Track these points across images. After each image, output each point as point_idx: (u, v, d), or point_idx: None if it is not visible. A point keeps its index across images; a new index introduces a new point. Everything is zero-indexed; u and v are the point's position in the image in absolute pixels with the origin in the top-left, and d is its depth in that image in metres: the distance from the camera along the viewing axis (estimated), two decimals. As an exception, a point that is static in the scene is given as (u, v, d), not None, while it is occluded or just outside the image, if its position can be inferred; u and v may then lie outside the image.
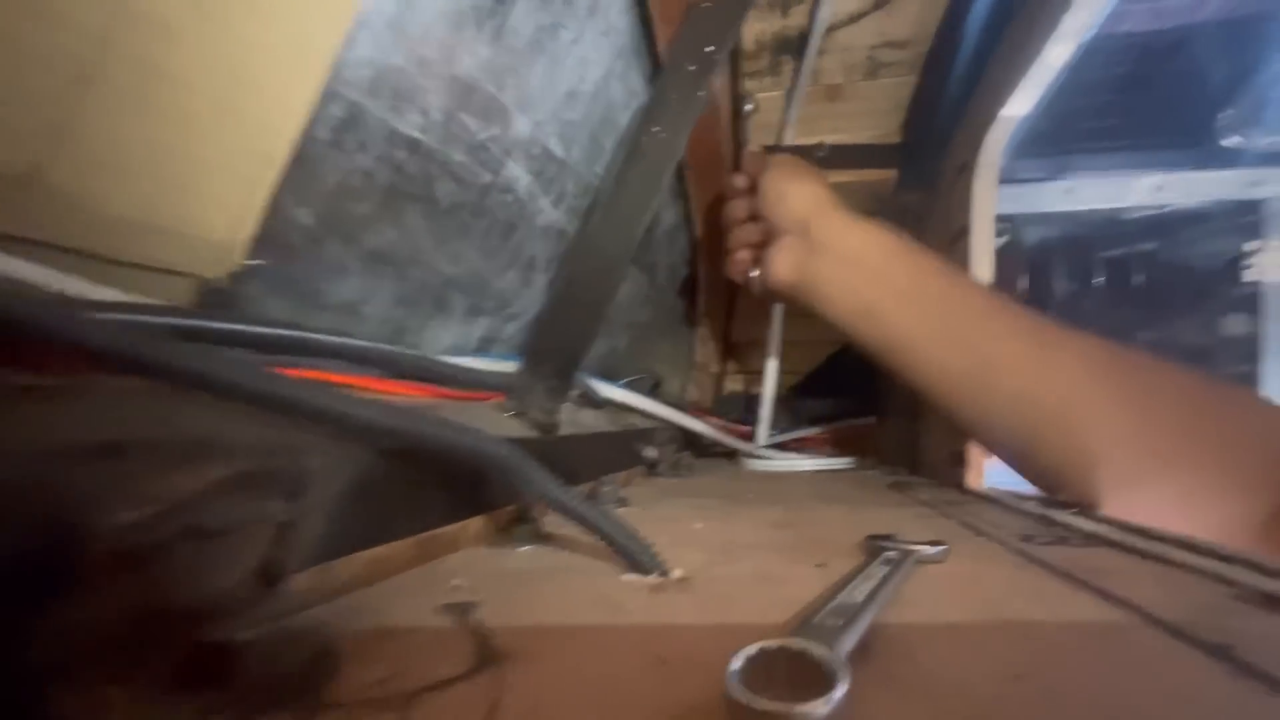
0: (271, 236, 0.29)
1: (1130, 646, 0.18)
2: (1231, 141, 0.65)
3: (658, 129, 0.40)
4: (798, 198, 0.52)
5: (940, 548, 0.28)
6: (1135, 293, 0.74)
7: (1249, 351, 0.69)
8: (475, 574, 0.25)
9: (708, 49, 0.39)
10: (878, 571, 0.23)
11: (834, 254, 0.50)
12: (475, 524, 0.31)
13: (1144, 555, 0.30)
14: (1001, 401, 0.44)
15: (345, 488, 0.22)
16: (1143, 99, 0.63)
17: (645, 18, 0.49)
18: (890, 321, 0.47)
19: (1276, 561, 0.26)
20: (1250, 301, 0.69)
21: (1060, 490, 0.43)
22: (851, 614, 0.17)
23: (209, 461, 0.16)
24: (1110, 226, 0.74)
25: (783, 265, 0.53)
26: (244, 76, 0.22)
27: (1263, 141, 0.64)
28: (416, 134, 0.36)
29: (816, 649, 0.13)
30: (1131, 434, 0.39)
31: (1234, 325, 0.70)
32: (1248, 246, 0.69)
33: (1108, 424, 0.40)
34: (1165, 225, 0.72)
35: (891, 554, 0.26)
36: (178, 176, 0.22)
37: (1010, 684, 0.16)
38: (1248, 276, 0.69)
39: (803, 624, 0.16)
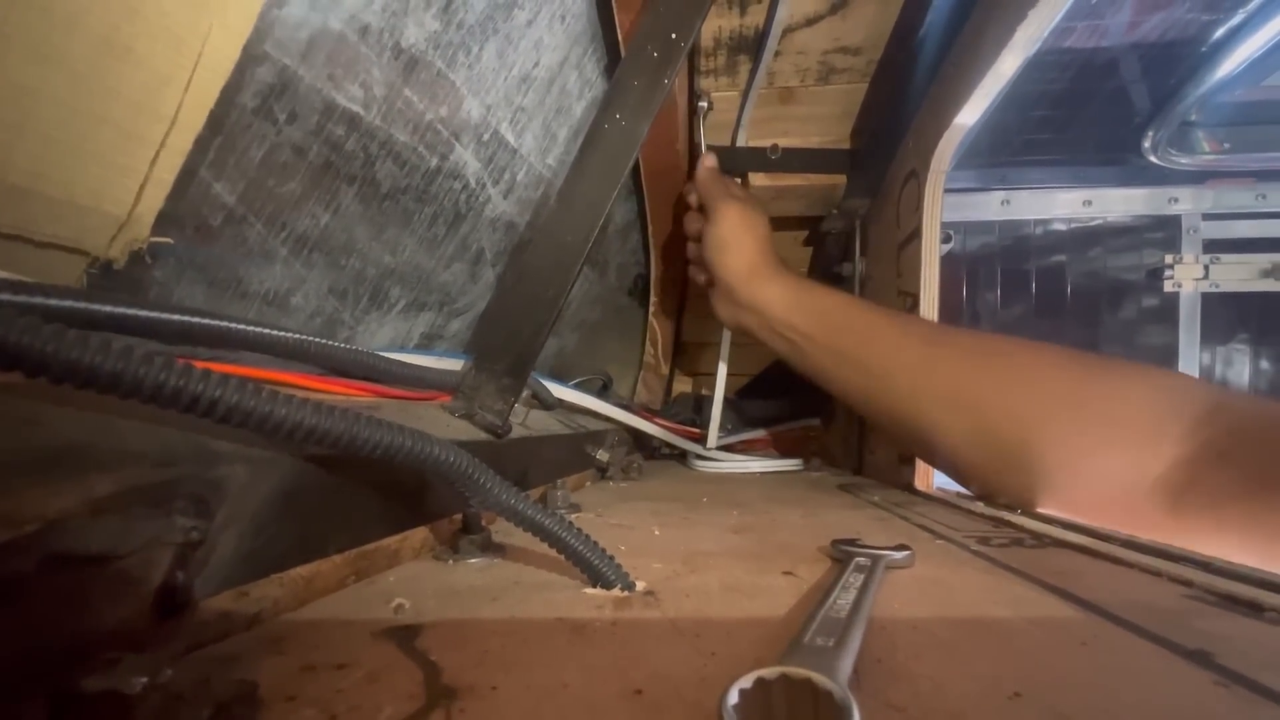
0: (183, 213, 0.26)
1: (1113, 655, 0.18)
2: (1154, 160, 0.69)
3: (619, 116, 0.38)
4: (733, 264, 0.59)
5: (906, 552, 0.28)
6: (1064, 301, 0.78)
7: (1168, 359, 0.74)
8: (419, 592, 0.23)
9: (672, 35, 0.38)
10: (854, 581, 0.22)
11: (756, 312, 0.58)
12: (417, 536, 0.29)
13: (1095, 555, 0.31)
14: (897, 403, 0.50)
15: (267, 499, 0.19)
16: (1076, 115, 0.66)
17: (604, 3, 0.47)
18: (809, 362, 0.56)
19: (1222, 560, 0.27)
20: (1169, 311, 0.74)
21: (993, 489, 0.45)
22: (840, 632, 0.16)
23: (89, 473, 0.13)
24: (1042, 237, 0.77)
25: (720, 311, 0.62)
26: (145, 16, 0.19)
27: (1182, 161, 0.69)
28: (356, 108, 0.33)
29: (820, 679, 0.12)
30: (1017, 410, 0.42)
31: (1154, 334, 0.74)
32: (1167, 259, 0.73)
33: (993, 405, 0.43)
34: (1093, 237, 0.76)
35: (862, 561, 0.25)
36: (63, 134, 0.19)
37: (1010, 703, 0.15)
38: (1166, 287, 0.74)
39: (793, 646, 0.15)
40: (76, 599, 0.14)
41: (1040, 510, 0.40)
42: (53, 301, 0.16)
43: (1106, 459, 0.38)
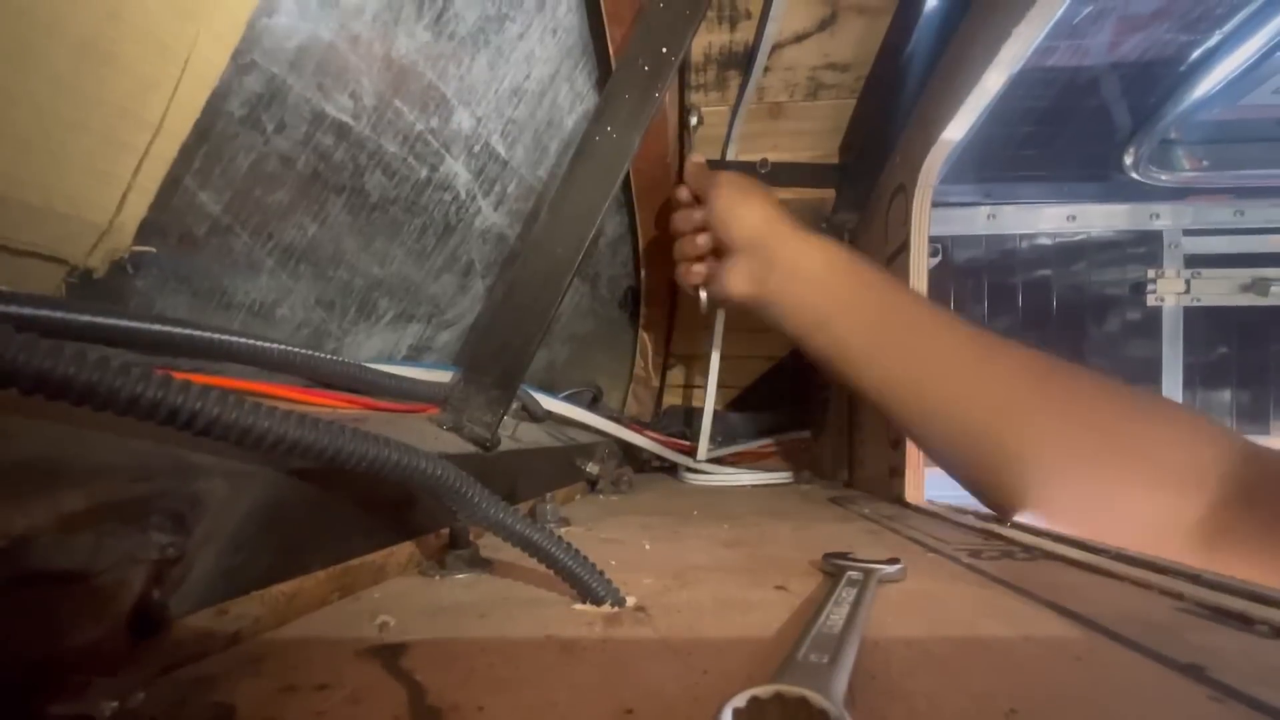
0: (167, 221, 0.25)
1: (1108, 670, 0.18)
2: (1136, 177, 0.70)
3: (610, 129, 0.38)
4: (749, 218, 0.54)
5: (897, 566, 0.27)
6: (1049, 314, 0.78)
7: (1151, 371, 0.75)
8: (404, 609, 0.22)
9: (663, 49, 0.38)
10: (847, 595, 0.22)
11: (786, 270, 0.51)
12: (403, 551, 0.28)
13: (1086, 568, 0.31)
14: (938, 407, 0.45)
15: (247, 514, 0.18)
16: (1060, 132, 0.67)
17: (595, 17, 0.48)
18: (838, 334, 0.49)
19: (1211, 572, 0.27)
20: (1152, 325, 0.75)
21: (993, 493, 0.44)
22: (834, 648, 0.16)
23: (59, 488, 0.12)
24: (1028, 251, 0.78)
25: (737, 282, 0.54)
26: (129, 21, 0.19)
27: (1162, 178, 0.70)
28: (345, 118, 0.33)
29: (816, 697, 0.12)
30: (1057, 436, 0.41)
31: (1138, 347, 0.75)
32: (1150, 273, 0.74)
33: (1036, 427, 0.42)
34: (1078, 251, 0.77)
35: (854, 575, 0.25)
36: (42, 140, 0.19)
37: (1006, 721, 0.14)
38: (1149, 301, 0.75)
39: (787, 663, 0.15)
40: (45, 619, 0.13)
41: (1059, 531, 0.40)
42: (27, 310, 0.16)
43: (1143, 500, 0.38)
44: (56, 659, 0.13)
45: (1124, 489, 0.38)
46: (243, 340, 0.25)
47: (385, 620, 0.21)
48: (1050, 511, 0.40)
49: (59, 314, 0.17)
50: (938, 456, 0.49)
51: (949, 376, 0.45)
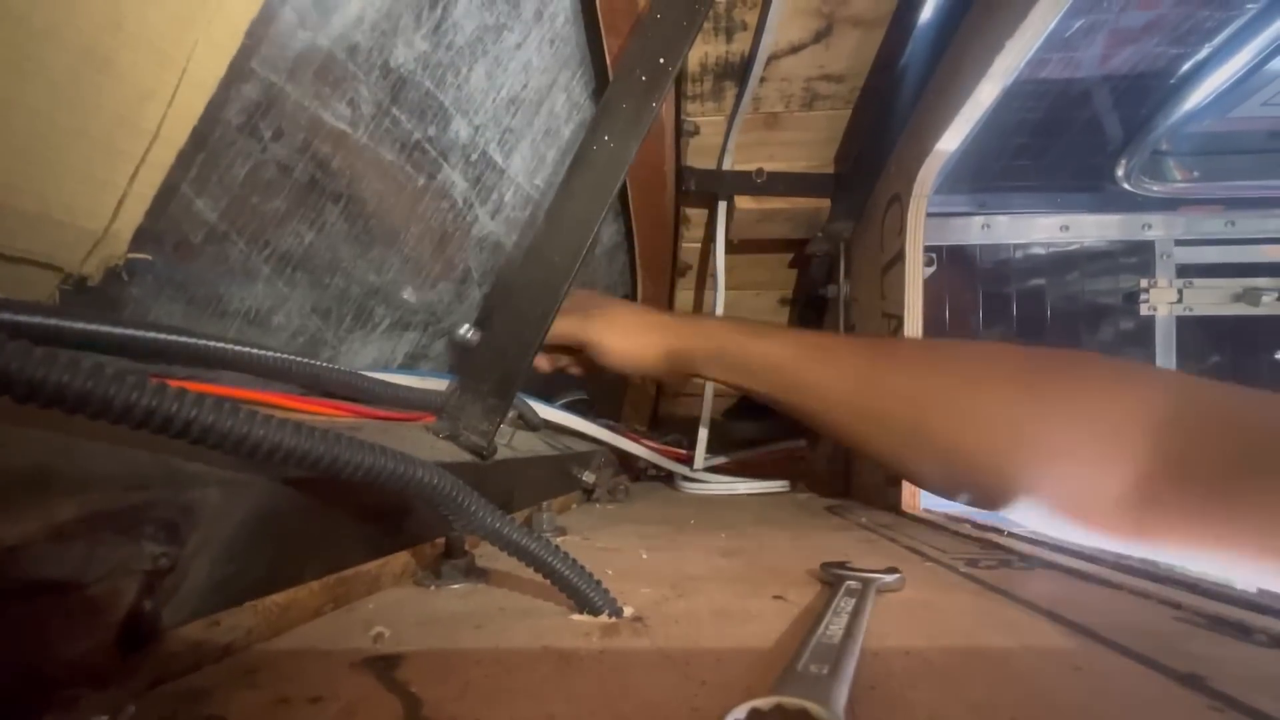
0: (163, 229, 0.25)
1: (1108, 680, 0.18)
2: (1128, 187, 0.71)
3: (607, 138, 0.38)
4: (619, 342, 0.55)
5: (896, 575, 0.27)
6: (1044, 323, 0.79)
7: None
8: (400, 619, 0.22)
9: (660, 60, 0.38)
10: (845, 605, 0.21)
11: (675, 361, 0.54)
12: (398, 560, 0.28)
13: (1084, 577, 0.31)
14: (857, 420, 0.46)
15: (241, 523, 0.18)
16: (1053, 143, 0.68)
17: (592, 28, 0.48)
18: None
19: (1209, 581, 0.27)
20: (1146, 334, 0.75)
21: (941, 485, 0.44)
22: (834, 658, 0.16)
23: (52, 497, 0.12)
24: (1022, 261, 0.79)
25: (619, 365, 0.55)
26: (128, 29, 0.19)
27: (1154, 189, 0.71)
28: (343, 126, 0.33)
29: (816, 709, 0.12)
30: (976, 423, 0.40)
31: (1132, 356, 0.76)
32: (1143, 283, 0.75)
33: (944, 418, 0.42)
34: (1071, 261, 0.78)
35: (853, 584, 0.25)
36: (39, 147, 0.18)
37: (1008, 732, 0.14)
38: (1143, 310, 0.75)
39: (787, 674, 0.15)
40: (35, 631, 0.13)
41: (999, 512, 0.40)
42: (20, 317, 0.16)
43: (1063, 478, 0.37)
44: (46, 671, 0.13)
45: (1045, 473, 0.38)
46: (238, 348, 0.24)
47: (380, 631, 0.20)
48: (1017, 513, 0.40)
49: (52, 321, 0.17)
50: (876, 453, 0.49)
51: (839, 402, 0.46)
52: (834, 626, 0.19)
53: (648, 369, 0.54)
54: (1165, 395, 0.36)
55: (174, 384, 0.14)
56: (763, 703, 0.12)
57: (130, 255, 0.22)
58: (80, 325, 0.17)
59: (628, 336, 0.53)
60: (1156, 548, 0.33)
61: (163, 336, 0.20)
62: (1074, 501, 0.36)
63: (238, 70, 0.24)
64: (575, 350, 0.54)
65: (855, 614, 0.20)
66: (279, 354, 0.27)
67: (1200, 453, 0.33)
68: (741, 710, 0.12)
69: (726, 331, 0.51)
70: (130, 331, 0.19)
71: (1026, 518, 0.37)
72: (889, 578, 0.27)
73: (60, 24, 0.17)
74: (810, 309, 0.91)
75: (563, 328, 0.51)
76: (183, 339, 0.21)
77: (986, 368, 0.42)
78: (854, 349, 0.47)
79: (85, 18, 0.18)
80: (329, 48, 0.30)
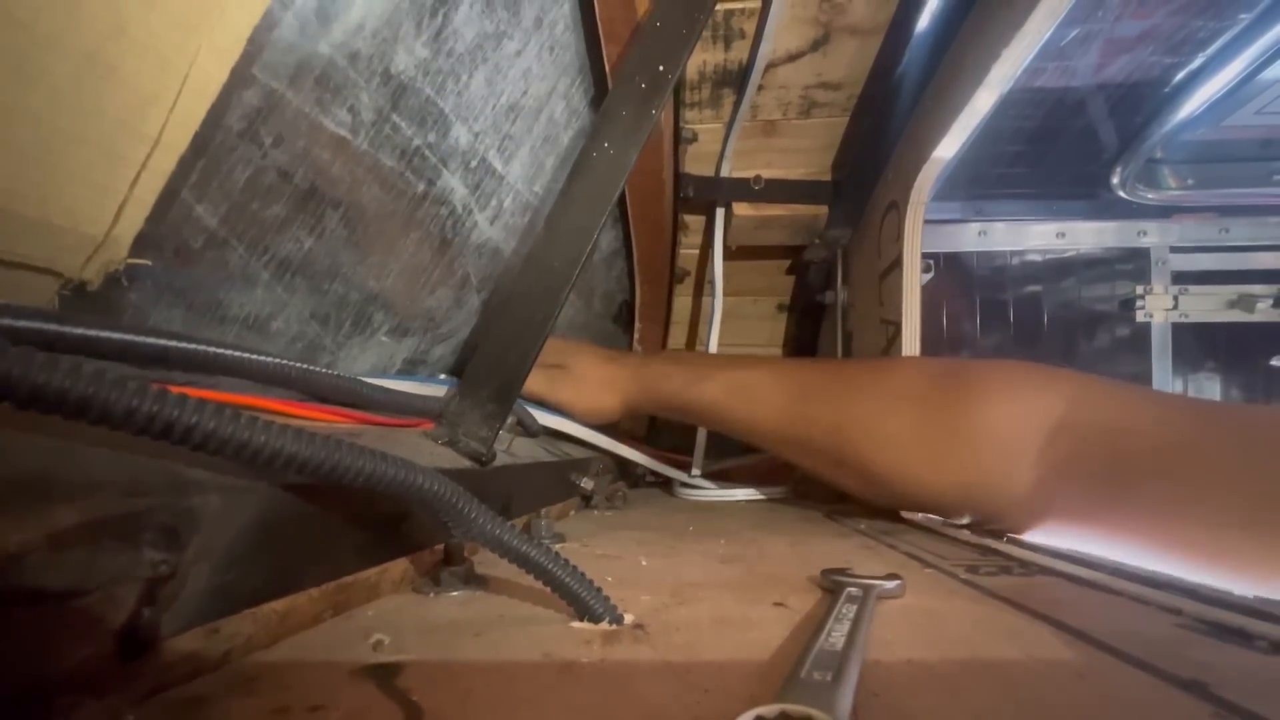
0: (163, 235, 0.25)
1: (1111, 687, 0.18)
2: (1123, 195, 0.71)
3: (607, 144, 0.38)
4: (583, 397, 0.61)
5: (896, 582, 0.27)
6: (1041, 330, 0.79)
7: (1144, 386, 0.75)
8: (399, 627, 0.22)
9: (660, 67, 0.39)
10: (847, 612, 0.21)
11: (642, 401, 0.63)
12: (397, 568, 0.28)
13: (1084, 583, 0.31)
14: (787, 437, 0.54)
15: (241, 530, 0.18)
16: (1048, 151, 0.68)
17: (592, 36, 0.48)
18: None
19: (1209, 587, 0.27)
20: (1142, 340, 0.76)
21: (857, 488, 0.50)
22: (836, 666, 0.16)
23: (52, 504, 0.12)
24: (1019, 268, 0.79)
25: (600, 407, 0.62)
26: (131, 35, 0.19)
27: (1149, 196, 0.71)
28: (343, 133, 0.33)
29: (822, 716, 0.12)
30: (883, 431, 0.45)
31: (1128, 362, 0.76)
32: (1138, 290, 0.75)
33: (860, 428, 0.47)
34: (1067, 268, 0.78)
35: (853, 591, 0.25)
36: (40, 152, 0.18)
37: (1012, 740, 0.14)
38: (1139, 317, 0.76)
39: (791, 682, 0.15)
40: (34, 640, 0.13)
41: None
42: (20, 323, 0.16)
43: (968, 488, 0.40)
44: (44, 680, 0.13)
45: (953, 480, 0.41)
46: (238, 354, 0.24)
47: (380, 639, 0.20)
48: (909, 495, 0.44)
49: (53, 326, 0.16)
50: (808, 469, 0.57)
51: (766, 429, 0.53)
52: (836, 634, 0.19)
53: (610, 420, 0.61)
54: (1056, 403, 0.38)
55: (174, 390, 0.14)
56: (767, 710, 0.12)
57: (130, 261, 0.22)
58: (81, 331, 0.17)
59: (589, 397, 0.59)
60: (1059, 538, 0.36)
61: (164, 342, 0.20)
62: (980, 506, 0.40)
63: (239, 77, 0.24)
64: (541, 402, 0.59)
65: (857, 621, 0.20)
66: (278, 359, 0.27)
67: (1083, 459, 0.36)
68: (747, 718, 0.12)
69: (667, 380, 0.58)
70: (133, 337, 0.19)
71: (947, 516, 0.42)
72: (889, 584, 0.27)
73: (63, 30, 0.17)
74: (808, 315, 0.91)
75: (533, 388, 0.57)
76: (182, 344, 0.21)
77: (894, 392, 0.47)
78: (777, 385, 0.53)
79: (88, 24, 0.18)
80: (330, 55, 0.30)
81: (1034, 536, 0.36)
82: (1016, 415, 0.40)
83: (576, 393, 0.58)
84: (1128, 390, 0.39)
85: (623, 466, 0.73)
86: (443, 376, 0.50)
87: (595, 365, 0.60)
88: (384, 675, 0.18)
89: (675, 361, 0.61)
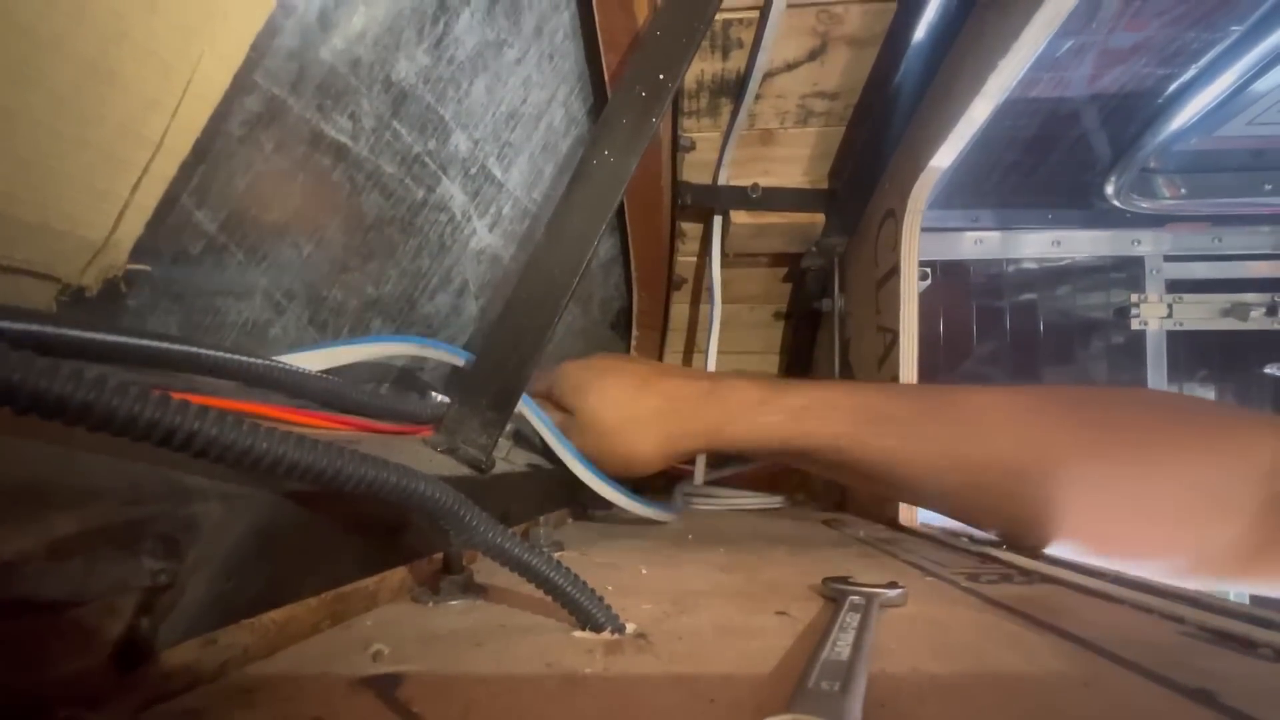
0: (163, 240, 0.25)
1: (1118, 696, 0.18)
2: (1117, 204, 0.72)
3: (607, 152, 0.38)
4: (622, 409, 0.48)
5: (898, 590, 0.27)
6: (1037, 338, 0.80)
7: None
8: (399, 636, 0.21)
9: (660, 76, 0.39)
10: (851, 621, 0.21)
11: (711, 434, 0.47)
12: (396, 576, 0.27)
13: (1085, 591, 0.31)
14: (955, 474, 0.42)
15: (241, 538, 0.18)
16: (1044, 160, 0.69)
17: (591, 44, 0.49)
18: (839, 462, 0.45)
19: (1210, 595, 0.27)
20: (1137, 348, 0.76)
21: (1024, 533, 0.41)
22: (844, 675, 0.16)
23: (49, 512, 0.12)
24: (1015, 276, 0.80)
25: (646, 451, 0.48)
26: (134, 40, 0.19)
27: (1143, 205, 0.72)
28: (344, 139, 0.33)
29: (833, 728, 0.11)
30: (1085, 469, 0.38)
31: (1123, 370, 0.77)
32: (1133, 298, 0.76)
33: (1062, 463, 0.39)
34: (1063, 276, 0.79)
35: (856, 599, 0.25)
36: (41, 157, 0.18)
37: (1021, 750, 0.14)
38: (1133, 325, 0.76)
39: (799, 692, 0.14)
40: (30, 650, 0.13)
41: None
42: (20, 326, 0.15)
43: (1176, 539, 0.36)
44: (41, 691, 0.13)
45: (1154, 516, 0.36)
46: (240, 357, 0.24)
47: (379, 649, 0.20)
48: (1085, 542, 0.38)
49: (51, 329, 0.16)
50: (967, 517, 0.45)
51: (960, 441, 0.41)
52: (841, 643, 0.19)
53: (648, 472, 0.47)
54: (1266, 441, 0.35)
55: (175, 396, 0.13)
56: (777, 721, 0.12)
57: (130, 266, 0.22)
58: (79, 335, 0.17)
59: (613, 451, 0.45)
60: (1266, 587, 0.33)
61: (163, 345, 0.20)
62: (1188, 559, 0.36)
63: (242, 82, 0.24)
64: None
65: (861, 630, 0.20)
66: (279, 364, 0.27)
67: None
68: (756, 729, 0.12)
69: (754, 409, 0.44)
70: (132, 340, 0.19)
71: (1134, 570, 0.35)
72: (892, 593, 0.27)
73: (65, 35, 0.17)
74: (805, 323, 0.91)
75: (555, 420, 0.45)
76: (183, 348, 0.21)
77: (1082, 427, 0.39)
78: (926, 414, 0.42)
79: (91, 29, 0.18)
80: (332, 61, 0.30)
81: (1248, 587, 0.33)
82: (1232, 454, 0.35)
83: (591, 447, 0.45)
84: None
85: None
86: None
87: (622, 402, 0.45)
88: (384, 686, 0.17)
89: (755, 384, 0.46)
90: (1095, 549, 0.38)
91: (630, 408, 0.45)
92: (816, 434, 0.43)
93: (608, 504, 0.47)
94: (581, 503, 0.56)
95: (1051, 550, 0.39)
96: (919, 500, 0.44)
